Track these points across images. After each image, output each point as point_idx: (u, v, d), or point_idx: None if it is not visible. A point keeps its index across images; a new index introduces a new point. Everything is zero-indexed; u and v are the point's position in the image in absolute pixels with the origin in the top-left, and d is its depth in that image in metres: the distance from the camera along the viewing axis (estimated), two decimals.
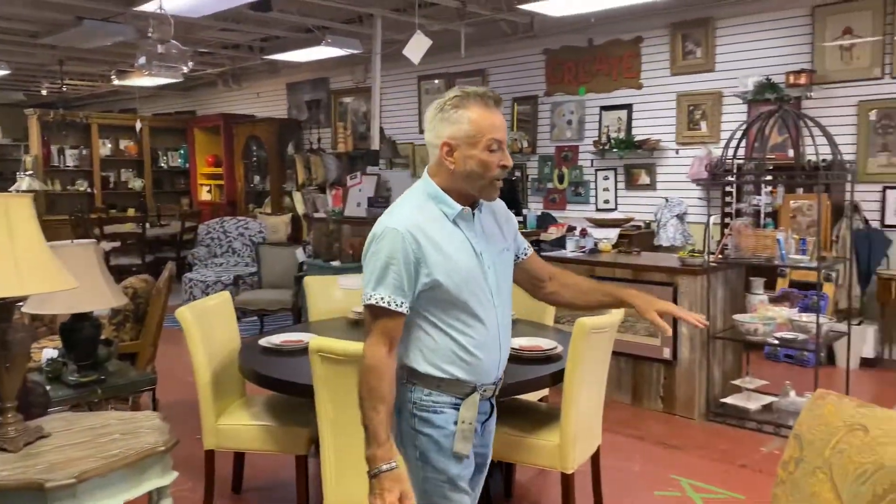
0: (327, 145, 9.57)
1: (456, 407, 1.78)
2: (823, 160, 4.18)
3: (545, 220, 5.77)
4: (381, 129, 7.86)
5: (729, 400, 4.42)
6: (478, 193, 1.78)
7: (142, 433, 2.21)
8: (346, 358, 2.31)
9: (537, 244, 5.20)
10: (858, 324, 5.37)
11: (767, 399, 4.40)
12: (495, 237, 1.86)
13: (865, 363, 5.46)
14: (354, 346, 2.35)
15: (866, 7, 5.53)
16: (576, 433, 2.73)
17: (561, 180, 7.39)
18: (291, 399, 2.96)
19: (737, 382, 4.51)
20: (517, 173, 7.64)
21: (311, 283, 3.93)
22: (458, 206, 1.76)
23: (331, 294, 3.90)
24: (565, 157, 7.40)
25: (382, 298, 1.68)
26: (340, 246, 6.48)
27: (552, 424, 2.85)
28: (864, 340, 5.46)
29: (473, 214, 1.80)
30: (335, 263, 6.29)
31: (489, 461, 2.00)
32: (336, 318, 3.70)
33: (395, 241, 1.68)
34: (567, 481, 2.79)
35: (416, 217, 1.73)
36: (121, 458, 2.05)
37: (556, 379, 2.74)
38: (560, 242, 5.25)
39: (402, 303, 1.69)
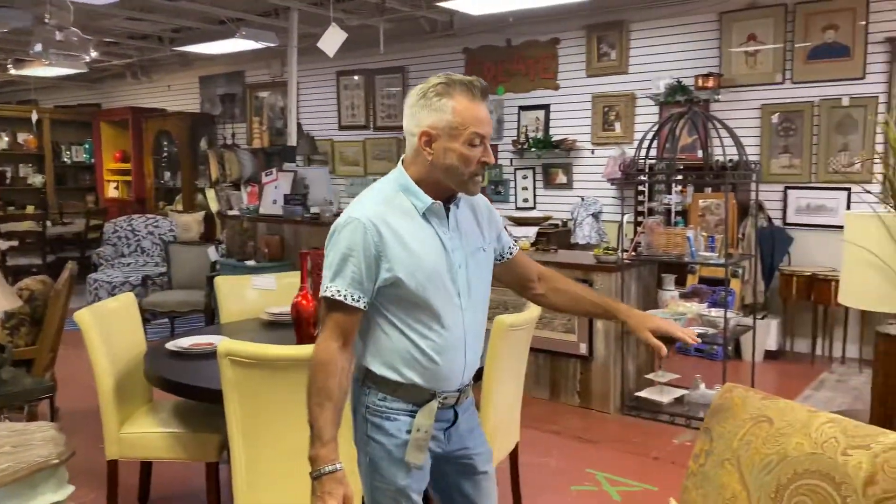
0: (242, 141, 9.30)
1: (412, 414, 1.67)
2: (730, 161, 4.35)
3: None
4: (299, 125, 7.70)
5: (643, 394, 4.53)
6: (456, 188, 1.69)
7: (34, 445, 2.06)
8: (256, 361, 2.22)
9: None
10: (763, 318, 5.62)
11: (679, 392, 4.54)
12: (471, 235, 1.76)
13: (769, 356, 5.71)
14: (265, 350, 2.27)
15: (768, 15, 5.79)
16: (495, 431, 2.72)
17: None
18: (201, 404, 2.84)
19: (650, 376, 4.63)
20: None
21: (223, 283, 3.79)
22: (429, 200, 1.66)
23: (244, 294, 3.77)
24: None
25: (339, 291, 1.60)
26: (255, 244, 6.31)
27: None
28: (768, 334, 5.72)
29: (448, 209, 1.70)
30: (250, 263, 6.12)
31: (488, 463, 1.88)
32: (249, 319, 3.58)
33: (355, 233, 1.60)
34: None
35: (382, 208, 1.64)
36: (10, 472, 1.90)
37: (476, 377, 2.72)
38: None
39: (359, 297, 1.61)
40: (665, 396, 4.49)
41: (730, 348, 5.83)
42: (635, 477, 3.53)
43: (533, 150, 6.87)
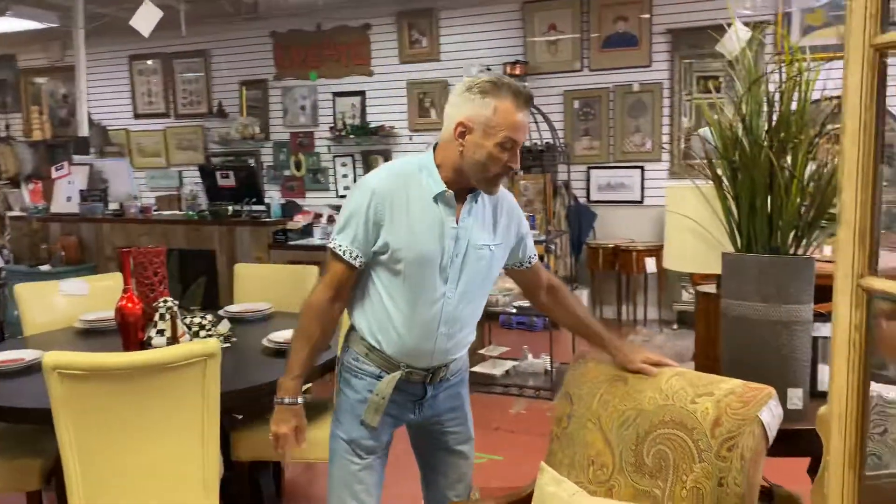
0: (18, 133, 8.29)
1: (378, 378, 1.78)
2: (545, 143, 4.61)
3: (290, 209, 5.63)
4: (89, 115, 7.01)
5: (477, 368, 4.70)
6: (476, 184, 1.74)
7: None
8: (91, 372, 2.00)
9: (283, 234, 5.03)
10: (574, 289, 6.04)
11: (509, 364, 4.77)
12: (482, 230, 1.78)
13: None
14: (101, 359, 2.05)
15: (566, 6, 6.20)
16: None
17: (298, 167, 7.24)
18: (14, 428, 2.51)
19: (482, 351, 4.82)
20: (252, 160, 7.33)
21: (23, 291, 3.36)
22: (443, 187, 1.72)
23: (50, 302, 3.37)
24: (301, 143, 7.26)
25: (339, 246, 1.71)
26: (49, 247, 5.68)
27: (322, 416, 2.77)
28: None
29: (466, 200, 1.75)
30: (45, 268, 5.50)
31: (464, 445, 1.97)
32: (59, 329, 3.21)
33: (364, 196, 1.70)
34: None
35: (397, 181, 1.72)
36: None
37: (326, 369, 2.67)
38: (308, 231, 5.14)
39: (356, 256, 1.71)
40: (497, 369, 4.69)
41: (547, 319, 6.23)
42: (480, 449, 3.61)
43: (351, 136, 6.82)
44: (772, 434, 1.67)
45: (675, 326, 6.07)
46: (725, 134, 2.03)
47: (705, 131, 2.21)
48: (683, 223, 2.33)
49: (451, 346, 1.81)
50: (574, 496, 1.72)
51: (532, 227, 4.69)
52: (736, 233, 2.12)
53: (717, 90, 5.16)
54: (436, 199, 1.73)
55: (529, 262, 1.95)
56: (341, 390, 1.85)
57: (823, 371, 2.18)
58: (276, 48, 7.22)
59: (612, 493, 1.75)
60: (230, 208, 5.36)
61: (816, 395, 2.13)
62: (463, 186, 1.75)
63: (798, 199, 1.97)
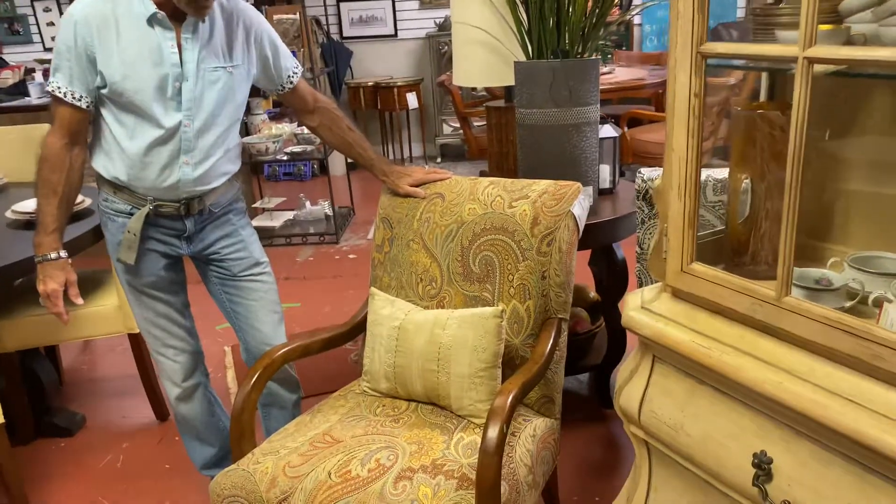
0: None
1: (131, 216, 1.72)
2: None
3: None
4: None
5: (255, 223, 4.49)
6: (178, 4, 1.58)
7: None
8: None
9: None
10: None
11: (288, 214, 4.62)
12: (213, 52, 1.66)
13: (350, 167, 6.10)
14: None
15: None
16: None
17: None
18: None
19: (257, 205, 4.59)
20: None
21: None
22: (153, 8, 1.58)
23: None
24: None
25: (59, 88, 1.61)
26: None
27: (104, 288, 2.48)
28: None
29: (188, 21, 1.61)
30: None
31: (250, 269, 1.88)
32: None
33: (68, 29, 1.57)
34: (137, 339, 2.50)
35: (103, 7, 1.58)
36: None
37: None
38: (21, 89, 4.34)
39: (80, 97, 1.61)
40: (276, 221, 4.52)
41: (315, 167, 6.07)
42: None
43: None
44: (581, 225, 1.78)
45: (438, 160, 6.25)
46: None
47: None
48: (472, 36, 2.30)
49: (201, 177, 1.72)
50: (410, 313, 1.73)
51: None
52: (527, 40, 2.14)
53: None
54: (150, 22, 1.60)
55: (290, 83, 1.85)
56: (105, 235, 1.82)
57: (604, 170, 2.37)
58: None
59: (444, 304, 1.79)
60: None
61: (600, 193, 2.33)
62: (172, 8, 1.62)
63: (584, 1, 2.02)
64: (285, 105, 1.98)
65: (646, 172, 1.88)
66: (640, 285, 2.02)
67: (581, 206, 1.77)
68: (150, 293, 1.81)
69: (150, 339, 1.86)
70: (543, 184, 1.78)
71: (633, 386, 1.32)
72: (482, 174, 5.57)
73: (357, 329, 1.90)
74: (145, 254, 1.76)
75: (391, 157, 6.28)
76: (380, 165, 1.94)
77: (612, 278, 2.33)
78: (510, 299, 1.73)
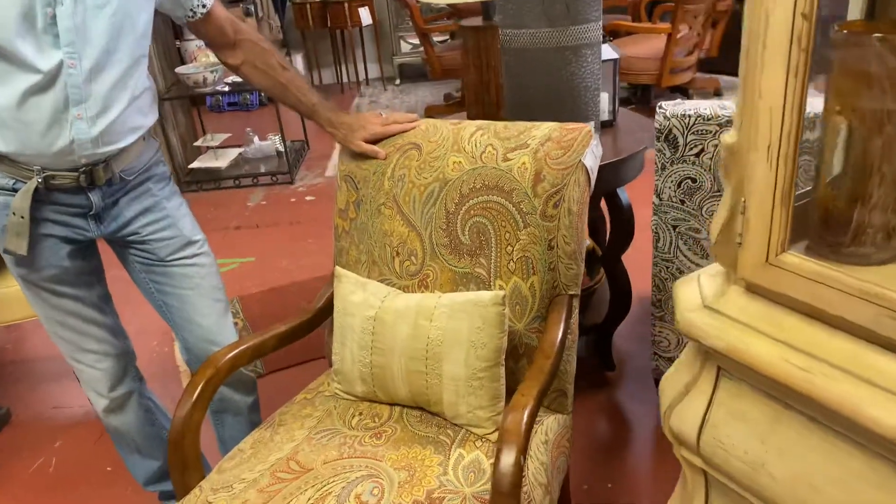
0: None
1: (14, 193, 1.32)
2: None
3: None
4: None
5: (197, 164, 4.04)
6: None
7: None
8: None
9: None
10: (286, 55, 5.38)
11: (234, 152, 4.17)
12: None
13: None
14: None
15: None
16: None
17: None
18: None
19: (198, 144, 4.13)
20: None
21: None
22: None
23: None
24: None
25: None
26: None
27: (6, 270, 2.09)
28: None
29: None
30: None
31: (182, 250, 1.49)
32: None
33: None
34: None
35: None
36: None
37: None
38: None
39: None
40: (221, 160, 4.08)
41: (263, 94, 5.56)
42: (225, 254, 3.18)
43: None
44: (593, 179, 1.44)
45: (397, 82, 5.77)
46: None
47: None
48: None
49: (102, 135, 1.31)
50: (387, 299, 1.39)
51: None
52: None
53: None
54: None
55: (203, 8, 1.42)
56: None
57: (603, 99, 2.01)
58: None
59: (428, 284, 1.46)
60: None
61: (599, 127, 1.98)
62: None
63: None
64: (198, 38, 1.52)
65: (668, 107, 1.53)
66: (657, 241, 1.71)
67: (593, 154, 1.42)
68: (52, 289, 1.42)
69: (62, 345, 1.49)
70: (545, 128, 1.42)
71: (689, 405, 1.02)
72: (447, 98, 5.09)
73: (321, 315, 1.56)
74: (41, 240, 1.37)
75: (345, 80, 5.78)
76: (325, 114, 1.53)
77: (617, 228, 2.00)
78: (510, 276, 1.39)
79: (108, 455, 2.05)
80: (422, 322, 1.33)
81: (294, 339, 1.50)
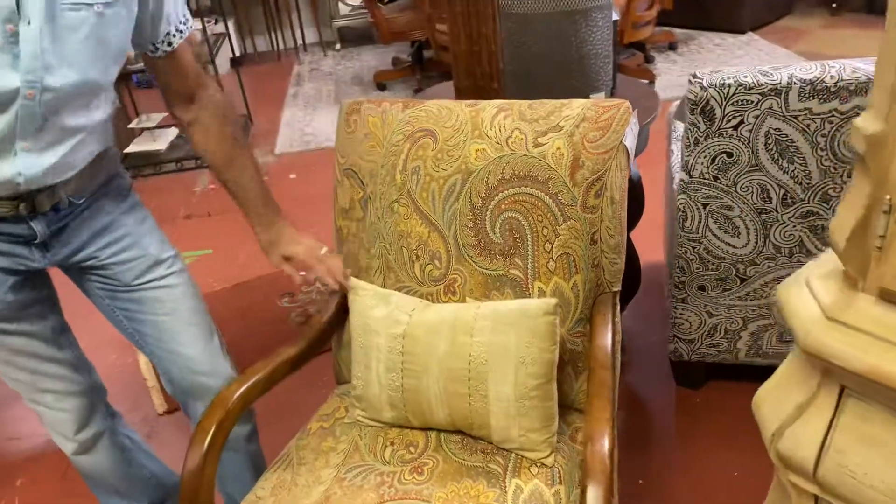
0: None
1: None
2: None
3: None
4: None
5: (133, 148, 3.71)
6: None
7: None
8: None
9: None
10: (215, 22, 4.99)
11: (173, 132, 3.84)
12: None
13: (234, 63, 5.23)
14: None
15: None
16: None
17: None
18: None
19: (132, 126, 3.79)
20: None
21: None
22: None
23: None
24: None
25: None
26: None
27: None
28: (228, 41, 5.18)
29: None
30: None
31: (149, 272, 1.26)
32: None
33: None
34: None
35: None
36: None
37: None
38: None
39: None
40: (160, 142, 3.75)
41: None
42: (183, 247, 2.91)
43: None
44: (632, 161, 1.30)
45: (337, 47, 5.46)
46: None
47: None
48: None
49: (53, 167, 1.09)
50: (416, 312, 1.22)
51: None
52: None
53: None
54: None
55: (168, 46, 1.17)
56: None
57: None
58: None
59: (456, 290, 1.29)
60: None
61: (610, 97, 1.82)
62: None
63: None
64: (152, 75, 1.25)
65: (704, 77, 1.38)
66: (684, 220, 1.58)
67: (633, 133, 1.27)
68: None
69: (17, 387, 1.27)
70: (577, 107, 1.26)
71: (804, 428, 0.90)
72: (395, 62, 4.81)
73: (330, 330, 1.38)
74: None
75: (280, 46, 5.43)
76: (259, 217, 1.32)
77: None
78: (550, 276, 1.24)
79: (78, 491, 1.82)
80: (461, 338, 1.17)
81: (306, 361, 1.32)
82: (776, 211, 1.49)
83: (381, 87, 4.50)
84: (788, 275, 1.58)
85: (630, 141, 1.25)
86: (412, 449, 1.22)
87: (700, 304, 1.69)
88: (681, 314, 1.74)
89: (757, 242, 1.54)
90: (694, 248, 1.60)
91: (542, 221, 1.24)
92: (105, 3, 1.01)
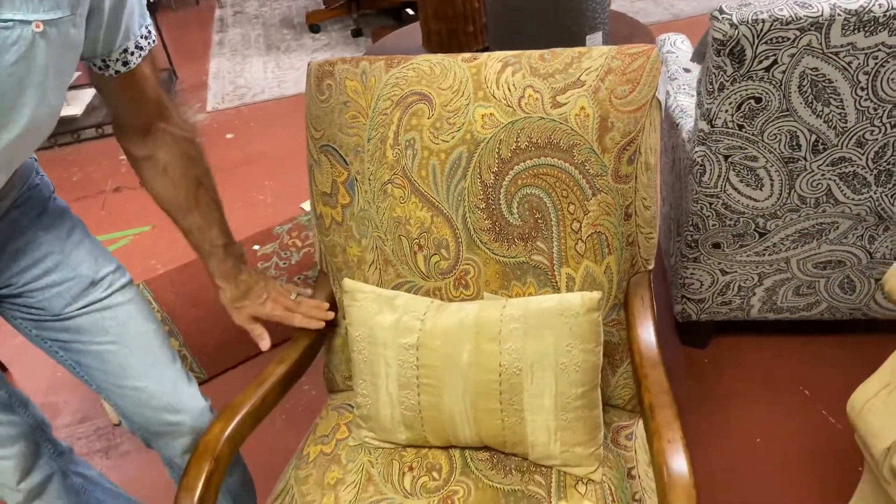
0: None
1: None
2: None
3: None
4: None
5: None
6: None
7: None
8: None
9: None
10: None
11: (90, 93, 3.45)
12: None
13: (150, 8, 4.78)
14: None
15: None
16: None
17: None
18: None
19: None
20: None
21: None
22: None
23: None
24: None
25: None
26: None
27: None
28: None
29: None
30: None
31: (83, 297, 1.03)
32: None
33: None
34: None
35: None
36: None
37: None
38: None
39: None
40: (76, 106, 3.36)
41: None
42: (116, 226, 2.63)
43: None
44: (662, 117, 1.11)
45: None
46: None
47: None
48: None
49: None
50: (429, 316, 1.02)
51: None
52: None
53: None
54: None
55: (124, 65, 0.92)
56: None
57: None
58: None
59: (469, 282, 1.10)
60: None
61: (608, 38, 1.62)
62: None
63: None
64: (102, 97, 0.98)
65: (732, 12, 1.19)
66: (702, 174, 1.42)
67: (663, 84, 1.08)
68: None
69: None
70: (598, 55, 1.06)
71: None
72: (327, 1, 4.41)
73: (318, 342, 1.17)
74: None
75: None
76: (222, 259, 1.11)
77: None
78: (580, 260, 1.06)
79: None
80: (487, 346, 0.98)
81: (299, 377, 1.11)
82: (804, 159, 1.33)
83: (315, 28, 4.16)
84: (812, 226, 1.46)
85: (662, 94, 1.07)
86: (435, 475, 1.04)
87: (713, 262, 1.55)
88: (691, 274, 1.59)
89: (781, 194, 1.39)
90: (711, 203, 1.44)
91: (567, 197, 1.05)
92: (51, 19, 0.76)
